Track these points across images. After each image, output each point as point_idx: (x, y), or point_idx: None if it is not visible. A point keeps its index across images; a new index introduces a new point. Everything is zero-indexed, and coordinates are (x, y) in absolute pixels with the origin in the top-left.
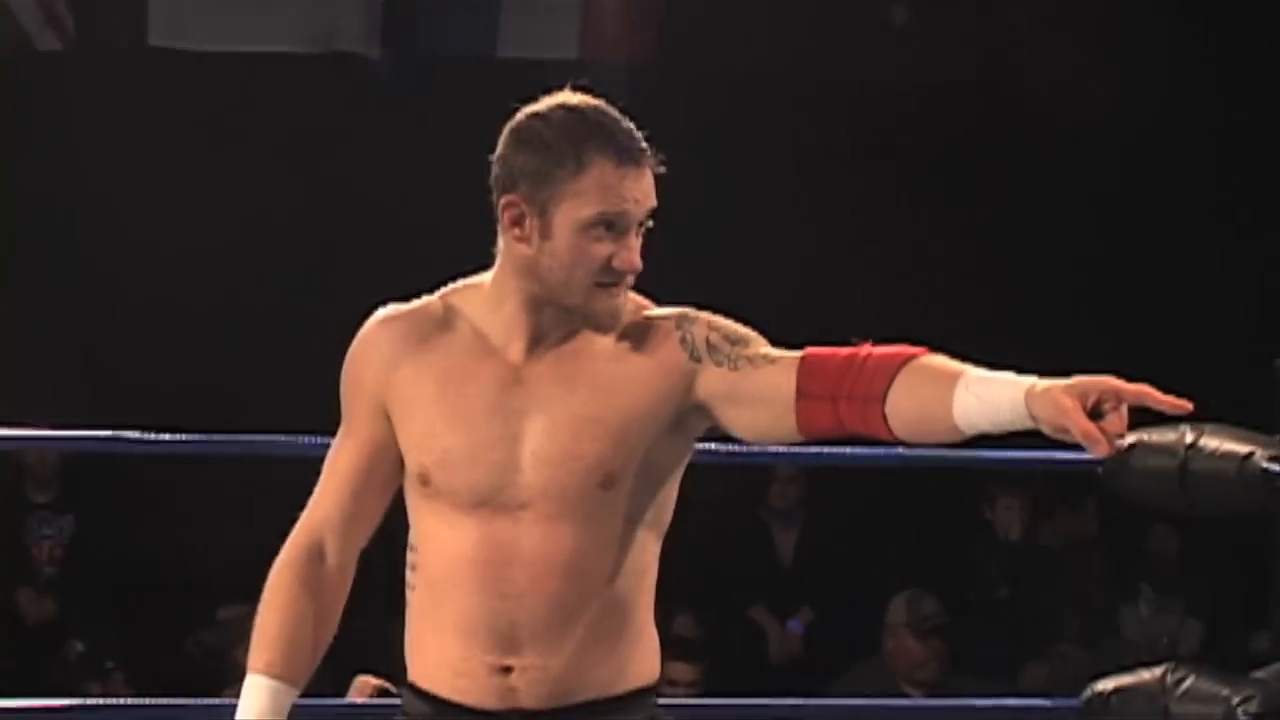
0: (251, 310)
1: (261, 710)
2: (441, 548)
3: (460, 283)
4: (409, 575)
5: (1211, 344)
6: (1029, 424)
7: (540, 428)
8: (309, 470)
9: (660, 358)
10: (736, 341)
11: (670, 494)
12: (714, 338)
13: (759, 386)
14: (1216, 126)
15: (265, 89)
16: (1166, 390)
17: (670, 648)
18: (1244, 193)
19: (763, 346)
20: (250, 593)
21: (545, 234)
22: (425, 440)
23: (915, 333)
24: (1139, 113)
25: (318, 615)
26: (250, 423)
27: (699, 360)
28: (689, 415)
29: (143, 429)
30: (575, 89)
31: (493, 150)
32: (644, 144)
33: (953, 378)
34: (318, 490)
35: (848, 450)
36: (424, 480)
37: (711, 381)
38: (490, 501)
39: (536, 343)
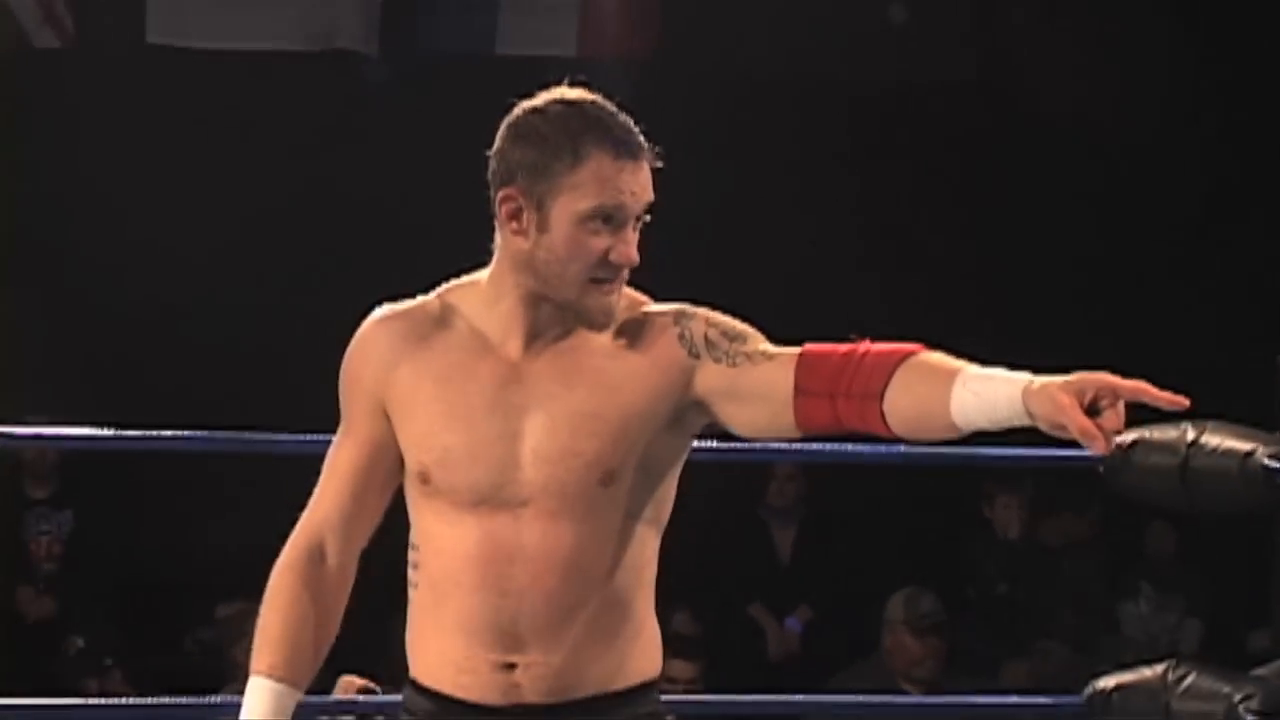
0: (250, 308)
1: (265, 712)
2: (443, 546)
3: (456, 281)
4: (410, 573)
5: (1212, 342)
6: (1026, 421)
7: (539, 425)
8: (309, 468)
9: (659, 354)
10: (735, 338)
11: (669, 490)
12: (712, 334)
13: (757, 383)
14: (1217, 124)
15: (264, 87)
16: (1166, 388)
17: (668, 645)
18: (1244, 190)
19: (761, 343)
20: (249, 590)
21: (543, 227)
22: (425, 439)
23: (914, 331)
24: (1139, 111)
25: (319, 616)
26: (249, 420)
27: (697, 357)
28: (687, 411)
29: (141, 426)
30: (573, 85)
31: (491, 147)
32: (641, 138)
33: (950, 375)
34: (317, 490)
35: (846, 448)
36: (424, 479)
37: (710, 378)
38: (490, 499)
39: (534, 339)
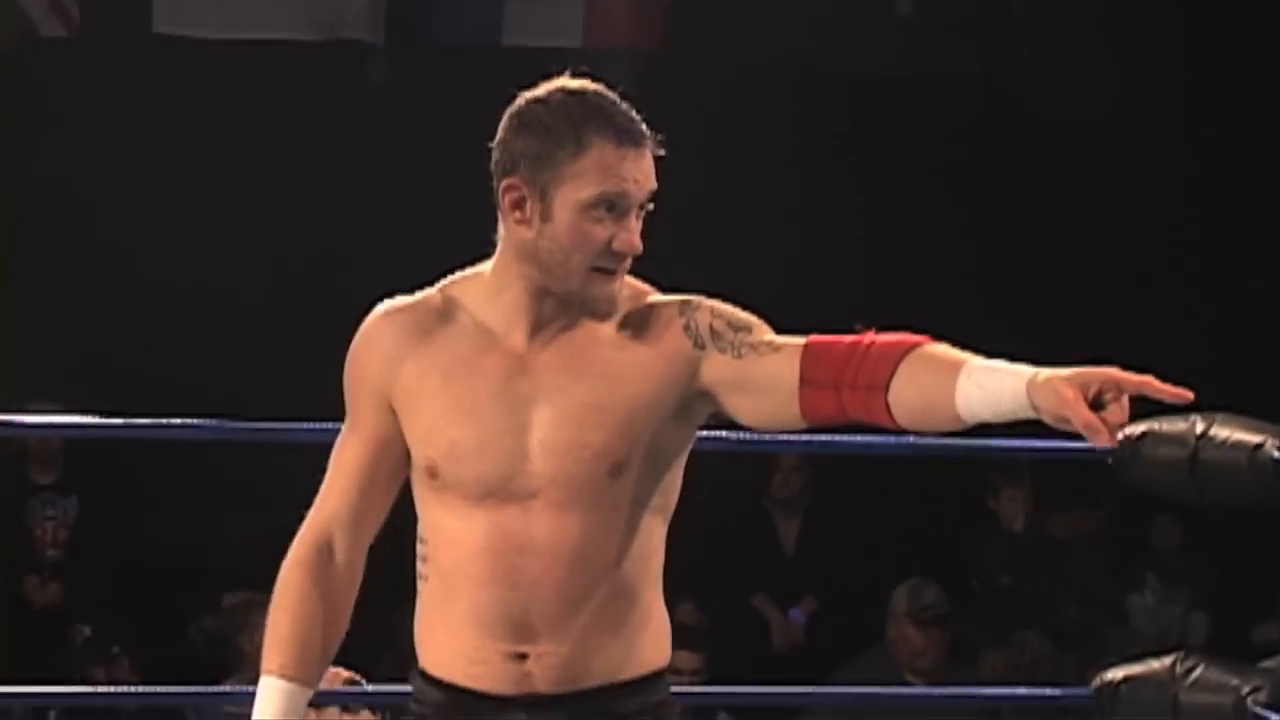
0: (255, 297)
1: (277, 712)
2: (452, 539)
3: (458, 274)
4: (420, 566)
5: (1216, 337)
6: (1031, 414)
7: (546, 417)
8: (314, 458)
9: (664, 345)
10: (740, 328)
11: (675, 479)
12: (718, 324)
13: (763, 374)
14: (1219, 116)
15: (269, 77)
16: (1170, 383)
17: (673, 636)
18: (1248, 184)
19: (766, 333)
20: (254, 579)
21: (546, 216)
22: (432, 433)
23: (917, 323)
24: (1140, 105)
25: (329, 613)
26: (255, 409)
27: (703, 347)
28: (693, 402)
29: (146, 415)
30: (576, 75)
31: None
32: (644, 126)
33: (955, 367)
34: (324, 487)
35: (851, 439)
36: (432, 473)
37: (715, 369)
38: (499, 491)
39: (538, 330)
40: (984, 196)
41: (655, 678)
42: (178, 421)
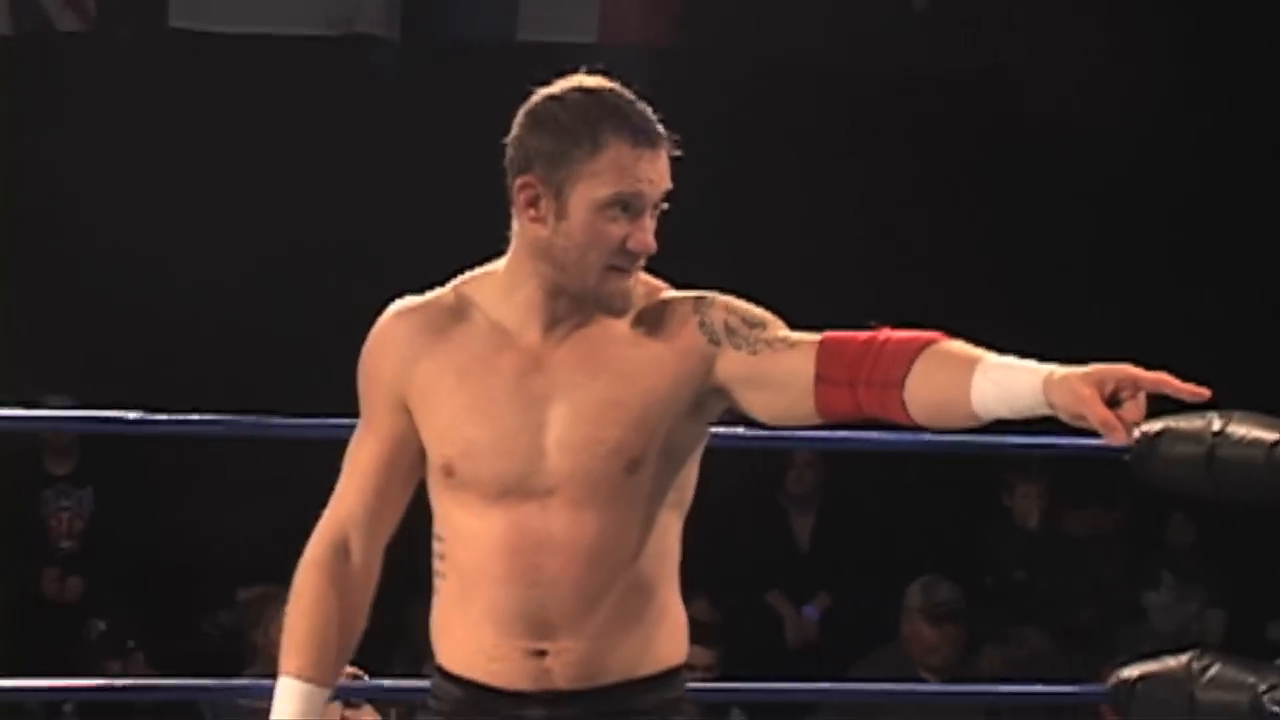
0: (272, 292)
1: (295, 713)
2: (470, 538)
3: (471, 273)
4: (436, 564)
5: (1228, 336)
6: (1047, 411)
7: (562, 414)
8: (328, 453)
9: (679, 341)
10: (755, 325)
11: (691, 475)
12: (732, 321)
13: (778, 370)
14: (1231, 116)
15: (284, 71)
16: (1184, 381)
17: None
18: (1260, 182)
19: (781, 329)
20: (268, 574)
21: (561, 215)
22: (448, 432)
23: (929, 320)
24: (1153, 103)
25: (345, 614)
26: (270, 405)
27: (718, 344)
28: (708, 398)
29: (162, 409)
30: (591, 72)
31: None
32: (659, 126)
33: (971, 364)
34: (340, 487)
35: (865, 435)
36: (448, 472)
37: (730, 365)
38: (516, 489)
39: (552, 327)
40: (999, 195)
41: (672, 674)
42: (195, 417)
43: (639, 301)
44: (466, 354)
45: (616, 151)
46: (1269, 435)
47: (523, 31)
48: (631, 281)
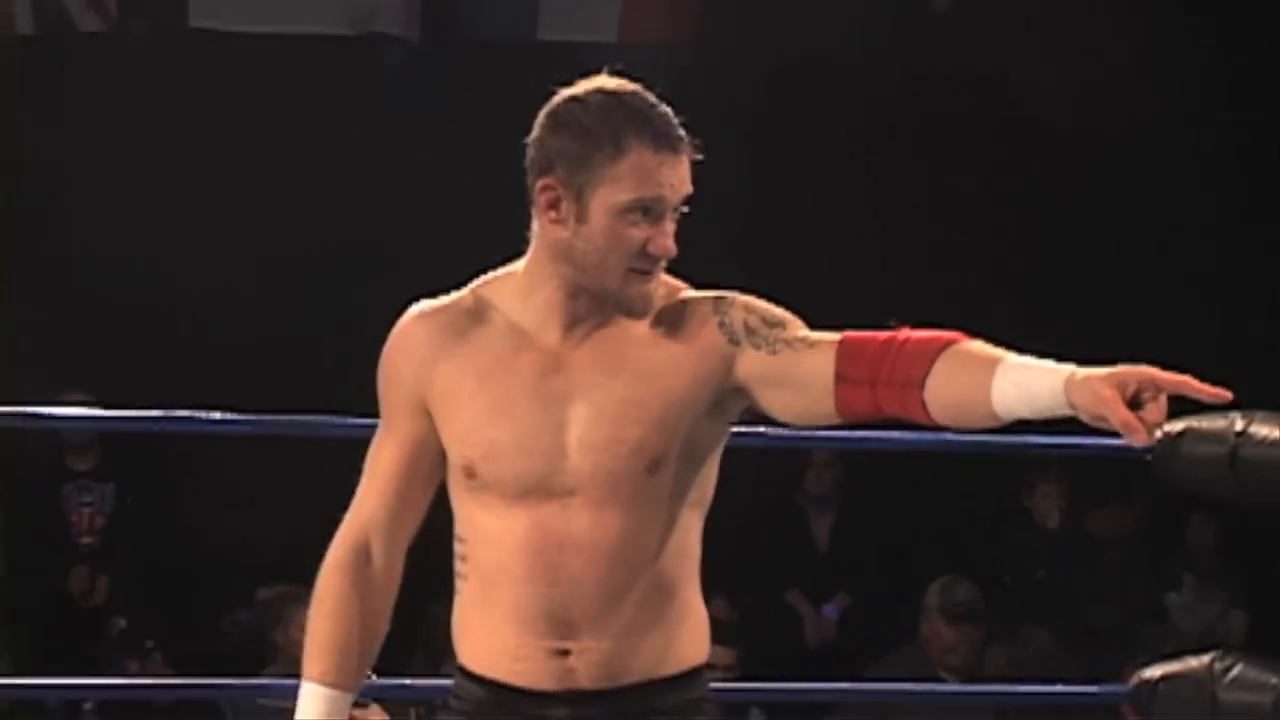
0: (293, 292)
1: (319, 717)
2: (492, 538)
3: (489, 275)
4: (458, 565)
5: (1241, 336)
6: (1068, 412)
7: (583, 414)
8: (348, 453)
9: (699, 341)
10: (774, 324)
11: (711, 474)
12: (752, 321)
13: (798, 370)
14: (1253, 117)
15: (304, 70)
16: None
17: None
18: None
19: (800, 329)
20: (288, 574)
21: (581, 217)
22: (469, 434)
23: (947, 320)
24: (1171, 104)
25: (367, 617)
26: (289, 405)
27: (737, 343)
28: (727, 397)
29: (180, 406)
30: (612, 73)
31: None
32: (681, 130)
33: (991, 364)
34: (361, 490)
35: (884, 435)
36: (470, 473)
37: (750, 365)
38: (537, 489)
39: (572, 328)
40: (1015, 196)
41: (694, 673)
42: (217, 415)
43: (659, 302)
44: (486, 356)
45: (638, 156)
46: None
47: (543, 31)
48: (653, 284)
